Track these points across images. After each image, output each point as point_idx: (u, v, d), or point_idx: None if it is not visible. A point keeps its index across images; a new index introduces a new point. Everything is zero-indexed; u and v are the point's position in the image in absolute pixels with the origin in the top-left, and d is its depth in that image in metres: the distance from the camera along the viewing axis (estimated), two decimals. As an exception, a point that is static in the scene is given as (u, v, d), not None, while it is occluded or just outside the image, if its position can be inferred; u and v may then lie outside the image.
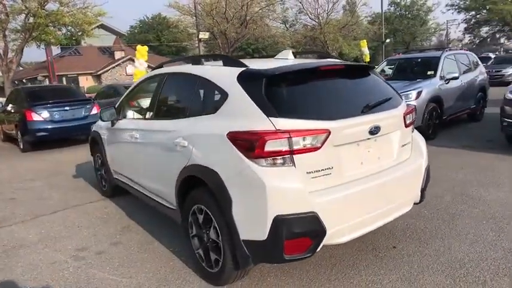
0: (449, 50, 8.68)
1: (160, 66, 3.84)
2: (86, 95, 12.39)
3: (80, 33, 17.91)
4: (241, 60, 2.77)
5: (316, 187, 2.25)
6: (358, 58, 30.03)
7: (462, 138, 7.12)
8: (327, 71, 2.62)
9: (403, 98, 3.05)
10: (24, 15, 14.83)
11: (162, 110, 3.51)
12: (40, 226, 4.11)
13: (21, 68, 31.84)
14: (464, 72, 8.37)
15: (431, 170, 3.19)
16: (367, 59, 23.89)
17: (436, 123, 7.37)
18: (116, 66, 32.71)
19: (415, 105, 3.79)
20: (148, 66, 20.23)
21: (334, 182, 2.33)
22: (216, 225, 2.50)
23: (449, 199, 4.09)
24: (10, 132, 9.88)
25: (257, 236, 2.22)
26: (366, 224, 2.47)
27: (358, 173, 2.46)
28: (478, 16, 35.56)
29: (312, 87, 2.52)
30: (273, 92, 2.35)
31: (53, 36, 15.43)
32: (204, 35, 20.37)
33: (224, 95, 2.55)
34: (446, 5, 36.39)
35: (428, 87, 7.23)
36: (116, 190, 4.79)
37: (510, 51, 34.87)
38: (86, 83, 32.08)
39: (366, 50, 27.88)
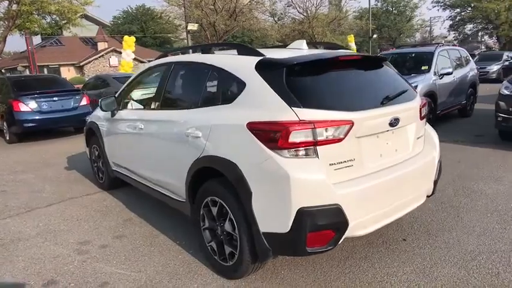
0: (443, 45, 8.77)
1: (164, 55, 3.73)
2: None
3: (64, 22, 17.37)
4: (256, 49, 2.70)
5: (339, 179, 2.21)
6: (345, 53, 30.11)
7: (454, 133, 7.23)
8: (345, 61, 2.59)
9: None
10: (8, 2, 14.28)
11: (170, 100, 3.41)
12: (37, 219, 3.97)
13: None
14: (456, 68, 8.49)
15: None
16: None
17: (430, 118, 7.45)
18: (99, 57, 31.99)
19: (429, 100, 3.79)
20: (134, 58, 19.88)
21: (355, 174, 2.30)
22: (233, 218, 2.44)
23: (452, 192, 4.13)
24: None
25: (279, 228, 2.18)
26: (385, 216, 2.45)
27: (378, 165, 2.44)
28: (463, 13, 36.20)
29: (331, 78, 2.48)
30: (294, 82, 2.30)
31: (37, 24, 14.92)
32: (193, 27, 20.07)
33: (241, 85, 2.48)
34: (432, 2, 36.91)
35: (423, 82, 7.30)
36: (113, 183, 4.67)
37: (493, 49, 35.70)
38: (68, 74, 31.25)
39: (352, 45, 28.07)
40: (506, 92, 6.10)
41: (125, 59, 17.25)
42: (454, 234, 3.18)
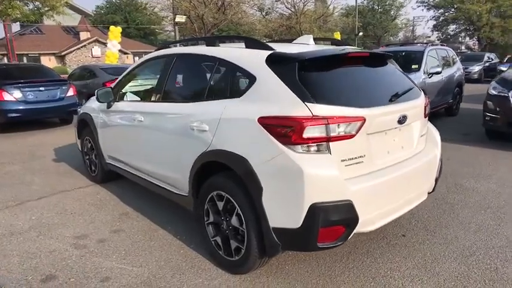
0: (432, 45, 8.93)
1: (165, 46, 3.66)
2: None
3: (47, 9, 16.84)
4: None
5: (350, 175, 2.22)
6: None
7: (442, 132, 7.16)
8: (354, 58, 2.59)
9: None
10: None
11: (172, 92, 3.34)
12: (28, 212, 3.85)
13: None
14: (444, 68, 8.66)
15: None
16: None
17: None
18: (82, 47, 31.22)
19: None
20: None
21: (365, 170, 2.31)
22: (240, 213, 2.42)
23: (445, 190, 4.22)
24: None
25: (290, 223, 2.18)
26: (392, 212, 2.48)
27: (385, 162, 2.46)
28: (446, 14, 36.93)
29: (342, 74, 2.48)
30: (306, 77, 2.29)
31: (20, 11, 14.39)
32: (181, 19, 19.77)
33: (251, 79, 2.46)
34: (417, 2, 37.50)
35: (414, 81, 7.39)
36: (107, 176, 4.58)
37: (473, 50, 36.61)
38: (48, 63, 30.33)
39: (339, 42, 28.14)
40: (494, 92, 6.26)
41: (111, 50, 16.85)
42: (451, 230, 3.25)
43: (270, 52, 2.47)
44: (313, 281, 2.57)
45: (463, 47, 43.24)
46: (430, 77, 7.82)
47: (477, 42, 37.71)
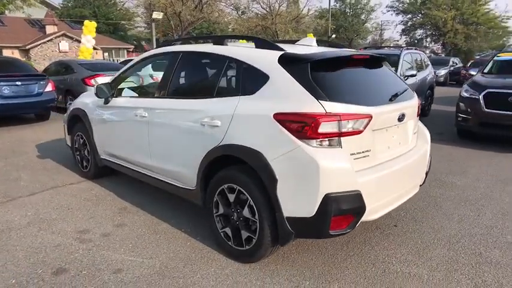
0: (407, 48, 9.38)
1: (168, 44, 3.72)
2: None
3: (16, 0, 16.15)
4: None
5: (358, 167, 2.41)
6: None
7: None
8: (357, 59, 2.78)
9: None
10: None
11: (179, 89, 3.41)
12: (22, 208, 3.80)
13: None
14: (419, 70, 9.13)
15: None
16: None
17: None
18: (48, 41, 29.93)
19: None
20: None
21: (370, 164, 2.51)
22: (253, 204, 2.55)
23: (427, 184, 4.49)
24: None
25: (304, 213, 2.33)
26: (391, 203, 2.70)
27: (386, 156, 2.67)
28: (414, 19, 38.53)
29: (349, 74, 2.67)
30: (318, 77, 2.45)
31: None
32: (158, 15, 19.51)
33: (264, 77, 2.59)
34: (387, 6, 38.87)
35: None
36: (100, 172, 4.57)
37: (438, 54, 38.34)
38: (11, 57, 28.98)
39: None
40: (466, 94, 6.71)
41: (85, 45, 16.39)
42: (437, 221, 3.53)
43: (281, 52, 2.61)
44: (318, 268, 2.74)
45: (427, 51, 45.14)
46: (406, 79, 8.22)
47: (442, 47, 39.51)
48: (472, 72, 9.15)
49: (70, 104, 5.07)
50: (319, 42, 3.46)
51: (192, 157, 2.96)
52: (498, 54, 7.80)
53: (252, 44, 2.92)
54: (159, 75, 6.87)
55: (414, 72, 8.42)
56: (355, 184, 2.33)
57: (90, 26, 16.33)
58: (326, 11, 36.29)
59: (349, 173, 2.32)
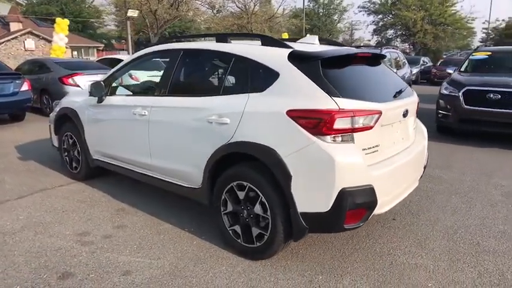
0: (386, 48, 9.66)
1: (166, 41, 3.65)
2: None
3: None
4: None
5: (369, 162, 2.47)
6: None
7: None
8: (362, 57, 2.85)
9: None
10: None
11: (181, 87, 3.36)
12: (13, 212, 3.64)
13: None
14: (397, 69, 9.43)
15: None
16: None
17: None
18: (12, 39, 28.59)
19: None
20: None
21: (379, 158, 2.58)
22: (265, 201, 2.56)
23: (417, 178, 4.68)
24: None
25: (319, 208, 2.37)
26: (397, 196, 2.79)
27: (392, 151, 2.75)
28: (385, 19, 39.63)
29: (355, 71, 2.73)
30: (329, 74, 2.49)
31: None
32: (134, 13, 19.06)
33: (274, 74, 2.60)
34: (359, 7, 39.78)
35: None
36: (91, 173, 4.44)
37: (408, 53, 39.59)
38: (-29, 55, 27.54)
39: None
40: (445, 92, 6.98)
41: (57, 43, 15.78)
42: (433, 213, 3.66)
43: (290, 50, 2.64)
44: (328, 262, 2.79)
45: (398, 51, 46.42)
46: (386, 78, 8.47)
47: (411, 46, 40.81)
48: (449, 71, 9.49)
49: (56, 103, 4.86)
50: (325, 41, 3.51)
51: (197, 155, 2.94)
52: (473, 54, 8.14)
53: (257, 42, 2.92)
54: (138, 75, 6.80)
55: (394, 70, 8.69)
56: (368, 178, 2.39)
57: (62, 23, 15.74)
58: (300, 11, 36.64)
59: (363, 168, 2.37)
